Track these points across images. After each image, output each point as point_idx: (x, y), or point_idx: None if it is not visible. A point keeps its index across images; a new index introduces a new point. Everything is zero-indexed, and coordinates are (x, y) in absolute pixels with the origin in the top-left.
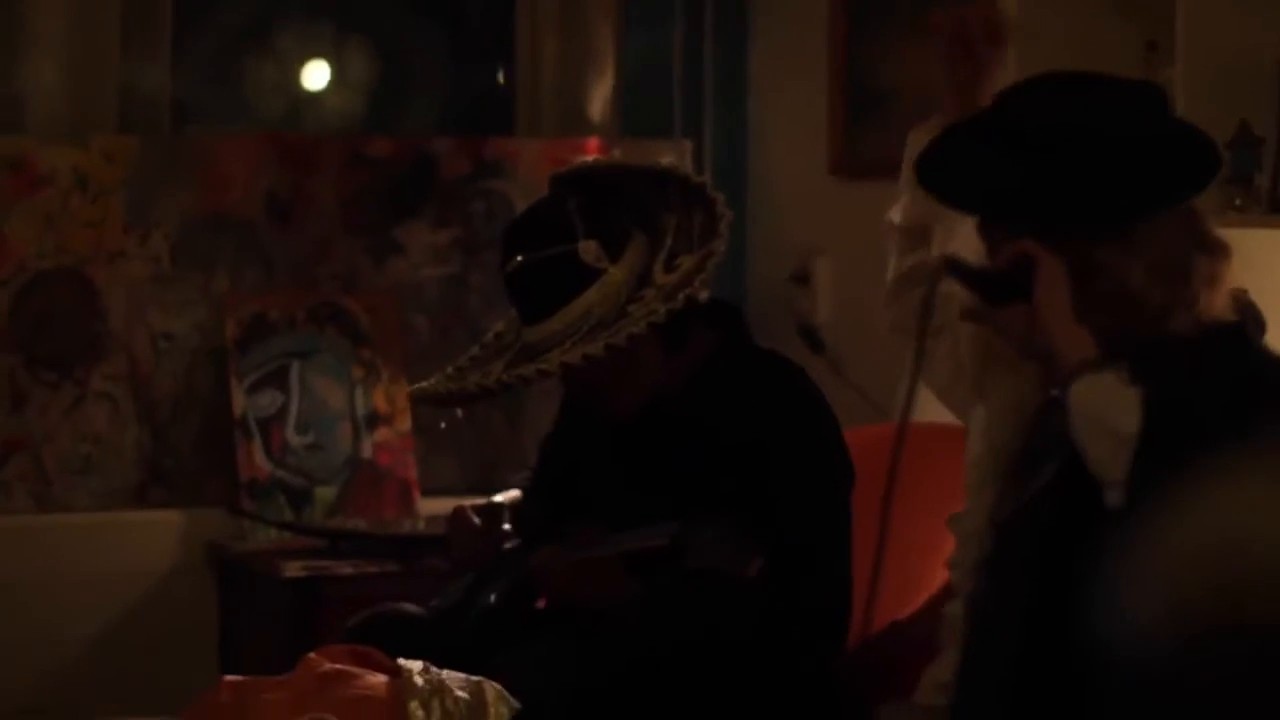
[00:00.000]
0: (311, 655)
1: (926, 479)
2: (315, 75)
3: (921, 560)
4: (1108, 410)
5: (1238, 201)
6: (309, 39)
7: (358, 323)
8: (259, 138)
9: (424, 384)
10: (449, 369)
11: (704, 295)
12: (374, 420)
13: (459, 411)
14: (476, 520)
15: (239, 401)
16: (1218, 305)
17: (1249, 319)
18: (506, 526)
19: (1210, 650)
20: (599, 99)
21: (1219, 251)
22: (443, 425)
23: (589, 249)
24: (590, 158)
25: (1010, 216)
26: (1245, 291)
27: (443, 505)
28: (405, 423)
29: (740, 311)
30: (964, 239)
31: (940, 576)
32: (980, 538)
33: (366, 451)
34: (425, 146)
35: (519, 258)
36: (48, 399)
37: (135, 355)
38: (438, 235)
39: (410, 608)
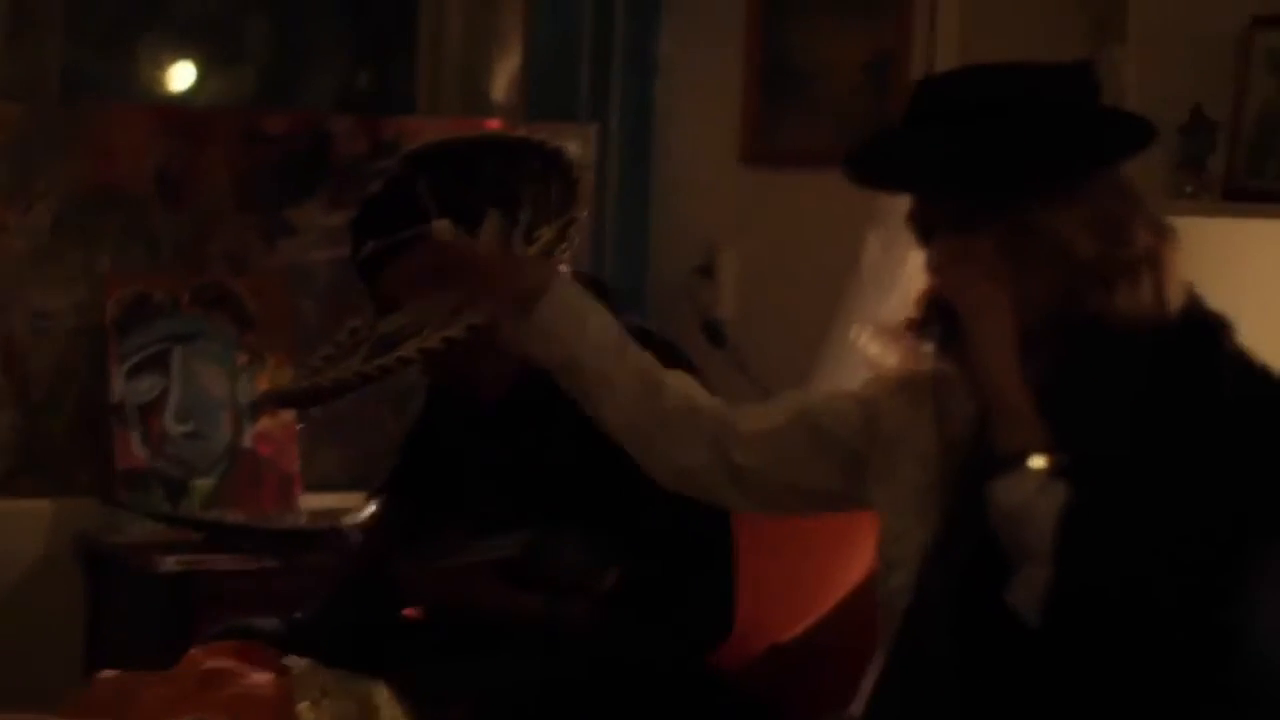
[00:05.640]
0: (194, 651)
1: None
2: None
3: (801, 585)
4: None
5: (1189, 189)
6: (206, 11)
7: (244, 306)
8: (149, 110)
9: (278, 386)
10: (303, 368)
11: (566, 269)
12: (257, 409)
13: (315, 411)
14: (355, 539)
15: (117, 386)
16: (1168, 292)
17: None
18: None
19: None
20: (503, 79)
21: (1164, 231)
22: (312, 415)
23: (442, 228)
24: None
25: (942, 187)
26: (1192, 284)
27: (325, 500)
28: (289, 412)
29: (604, 283)
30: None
31: (822, 603)
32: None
33: (248, 441)
34: (322, 124)
35: (370, 244)
36: None
37: (11, 334)
38: (332, 216)
39: (265, 622)
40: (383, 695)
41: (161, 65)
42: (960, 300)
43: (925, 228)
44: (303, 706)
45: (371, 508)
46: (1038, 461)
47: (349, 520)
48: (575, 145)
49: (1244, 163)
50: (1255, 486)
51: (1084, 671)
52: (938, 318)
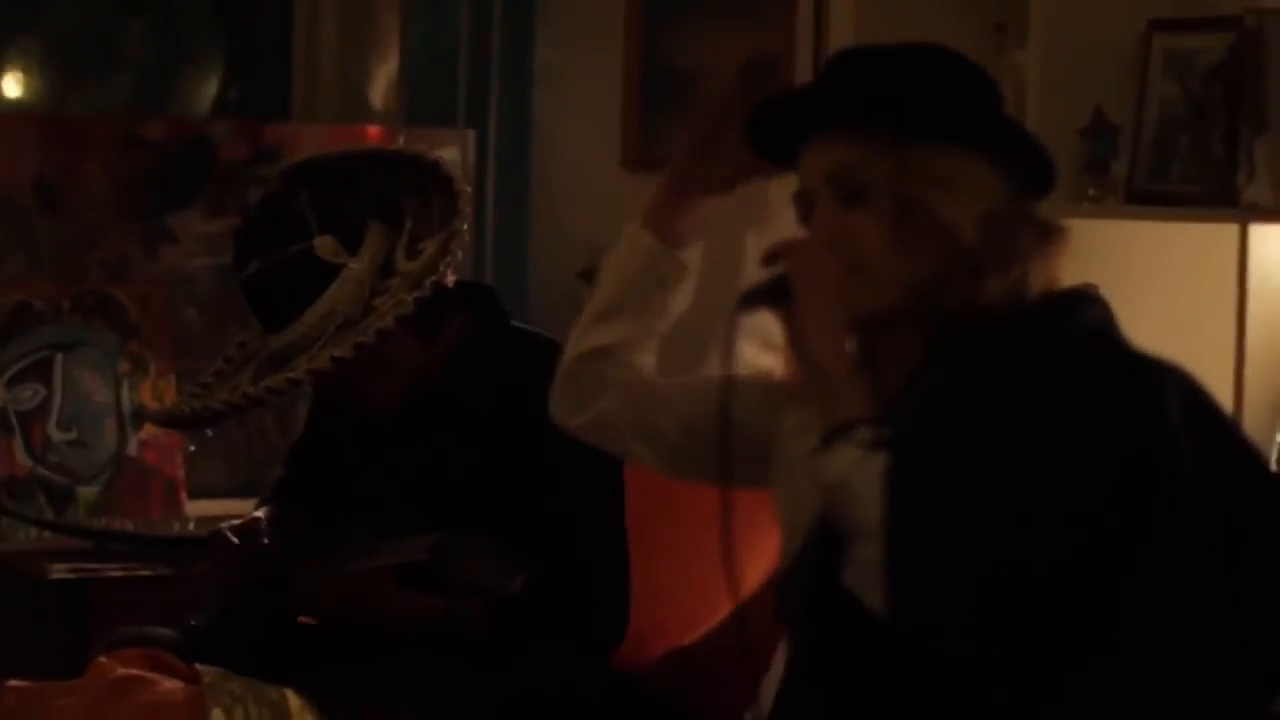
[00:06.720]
0: (103, 659)
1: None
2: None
3: (699, 588)
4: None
5: (1091, 192)
6: (78, 19)
7: (126, 314)
8: (26, 117)
9: (166, 406)
10: (192, 386)
11: (452, 279)
12: (141, 417)
13: (208, 431)
14: (235, 540)
15: None
16: (1029, 284)
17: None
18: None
19: None
20: (381, 85)
21: (1049, 231)
22: (202, 434)
23: (325, 245)
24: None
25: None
26: (1095, 286)
27: (209, 507)
28: None
29: (493, 291)
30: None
31: (721, 608)
32: None
33: (132, 449)
34: (201, 130)
35: (253, 263)
36: None
37: None
38: (213, 223)
39: (161, 631)
40: (295, 702)
41: (33, 73)
42: (794, 266)
43: (809, 202)
44: (216, 713)
45: (257, 513)
46: (857, 434)
47: (227, 525)
48: (453, 151)
49: (1146, 166)
50: (1091, 460)
51: (930, 656)
52: (774, 284)
